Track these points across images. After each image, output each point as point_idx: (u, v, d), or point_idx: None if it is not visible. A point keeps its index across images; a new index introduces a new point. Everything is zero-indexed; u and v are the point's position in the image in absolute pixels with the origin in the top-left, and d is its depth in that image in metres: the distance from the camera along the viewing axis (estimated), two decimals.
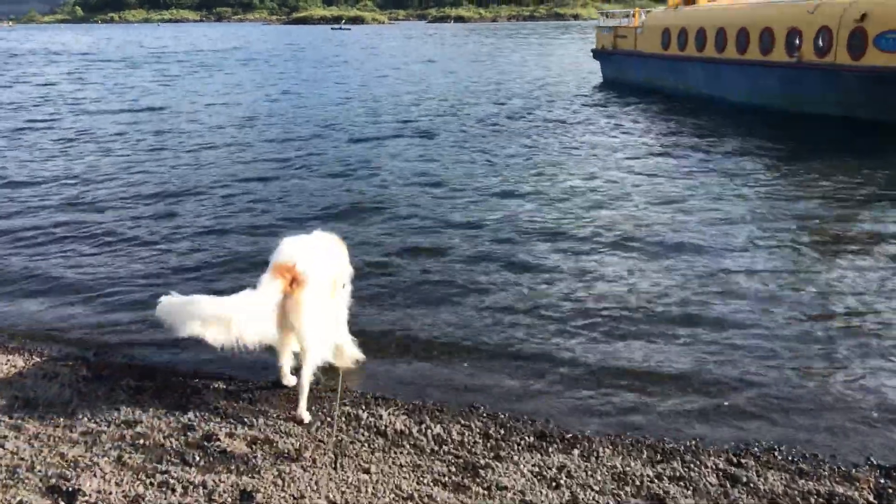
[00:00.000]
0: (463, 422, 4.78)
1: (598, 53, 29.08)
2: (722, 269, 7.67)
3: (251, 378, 5.36)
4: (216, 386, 5.25)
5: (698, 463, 4.28)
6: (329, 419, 4.75)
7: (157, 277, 7.85)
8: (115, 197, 11.42)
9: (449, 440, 4.54)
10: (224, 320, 4.32)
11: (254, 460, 4.24)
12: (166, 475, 4.09)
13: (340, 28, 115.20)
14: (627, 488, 4.04)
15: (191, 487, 3.99)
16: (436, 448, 4.45)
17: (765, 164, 12.90)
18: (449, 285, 7.44)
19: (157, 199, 11.29)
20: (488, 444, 4.50)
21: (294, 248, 4.79)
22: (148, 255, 8.65)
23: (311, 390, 4.85)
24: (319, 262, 4.80)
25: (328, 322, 4.89)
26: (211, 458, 4.28)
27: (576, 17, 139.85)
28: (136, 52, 53.32)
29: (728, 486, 4.06)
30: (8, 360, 5.70)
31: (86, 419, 4.74)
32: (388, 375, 5.53)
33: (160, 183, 12.32)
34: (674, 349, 5.89)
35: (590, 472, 4.17)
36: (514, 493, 3.97)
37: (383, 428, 4.66)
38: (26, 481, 4.04)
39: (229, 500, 3.89)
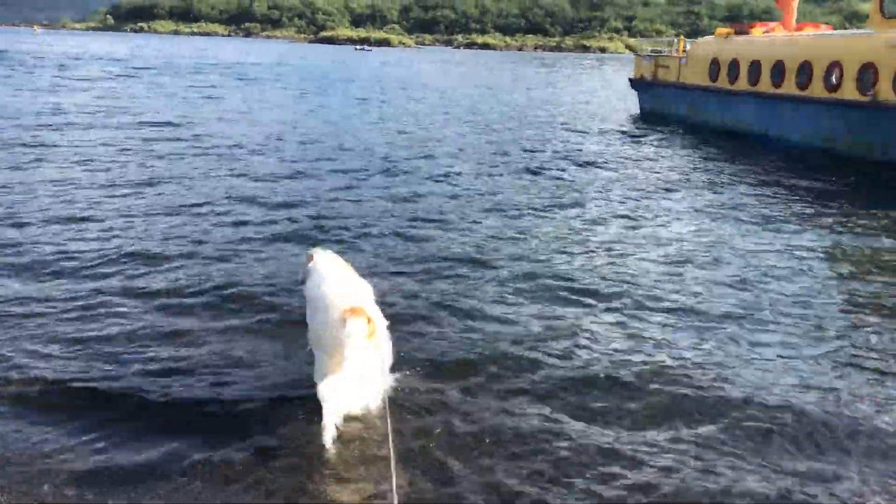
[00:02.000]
0: None
1: (636, 83, 27.27)
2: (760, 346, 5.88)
3: None
4: None
5: None
6: None
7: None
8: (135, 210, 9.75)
9: None
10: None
11: None
12: None
13: (363, 49, 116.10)
14: None
15: None
16: None
17: (821, 217, 10.83)
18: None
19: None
20: None
21: (348, 281, 4.57)
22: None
23: None
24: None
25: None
26: None
27: (602, 49, 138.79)
28: (169, 64, 52.14)
29: None
30: None
31: None
32: None
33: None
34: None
35: None
36: None
37: None
38: None
39: None
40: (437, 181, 12.66)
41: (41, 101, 22.54)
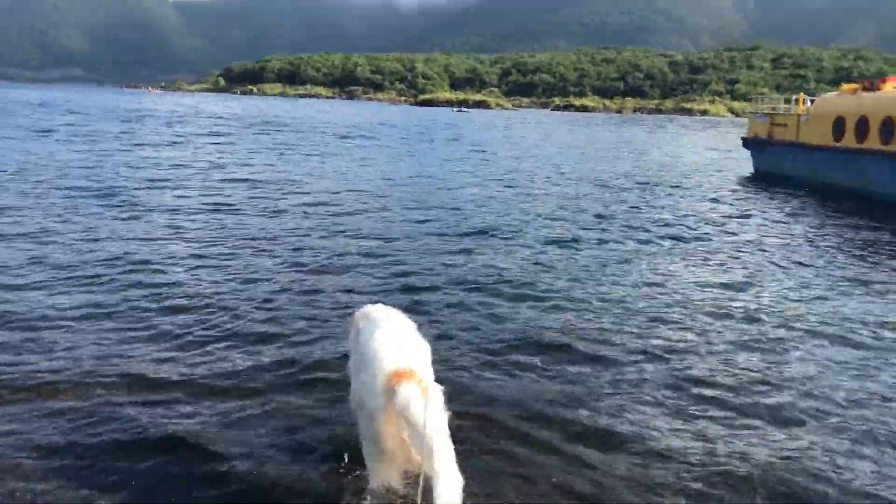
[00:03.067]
0: None
1: (749, 142, 25.87)
2: None
3: None
4: None
5: None
6: None
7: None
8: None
9: None
10: None
11: None
12: None
13: (460, 110, 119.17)
14: None
15: None
16: None
17: None
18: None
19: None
20: None
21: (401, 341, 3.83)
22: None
23: None
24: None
25: None
26: None
27: (703, 112, 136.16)
28: (272, 122, 53.87)
29: None
30: None
31: None
32: None
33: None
34: None
35: None
36: None
37: None
38: None
39: None
40: (545, 246, 11.80)
41: (144, 154, 23.11)
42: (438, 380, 3.78)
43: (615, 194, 18.15)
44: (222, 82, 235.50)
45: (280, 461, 4.42)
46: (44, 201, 13.14)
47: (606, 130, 62.43)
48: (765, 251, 11.57)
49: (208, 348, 6.24)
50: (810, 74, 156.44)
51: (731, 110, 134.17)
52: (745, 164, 26.72)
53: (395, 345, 3.73)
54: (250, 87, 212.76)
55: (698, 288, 8.99)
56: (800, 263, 10.70)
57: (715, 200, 17.86)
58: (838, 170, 20.13)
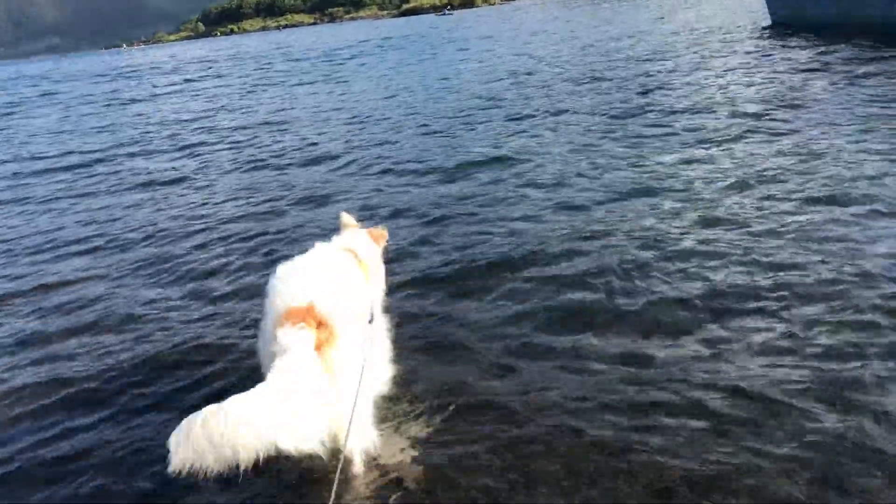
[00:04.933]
0: None
1: None
2: None
3: None
4: None
5: None
6: None
7: None
8: None
9: None
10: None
11: None
12: None
13: (444, 14, 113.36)
14: None
15: None
16: None
17: None
18: None
19: None
20: None
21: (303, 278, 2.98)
22: None
23: None
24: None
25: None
26: None
27: None
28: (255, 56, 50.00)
29: None
30: None
31: None
32: None
33: None
34: None
35: None
36: None
37: None
38: None
39: None
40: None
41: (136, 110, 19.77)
42: None
43: (618, 70, 14.67)
44: (202, 27, 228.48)
45: None
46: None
47: (605, 8, 57.57)
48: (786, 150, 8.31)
49: None
50: None
51: None
52: (758, 15, 22.76)
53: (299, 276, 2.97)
54: (230, 26, 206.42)
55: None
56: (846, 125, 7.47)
57: (736, 58, 14.28)
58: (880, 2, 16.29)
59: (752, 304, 3.94)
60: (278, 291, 2.89)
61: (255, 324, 3.59)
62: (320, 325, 2.69)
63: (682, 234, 5.12)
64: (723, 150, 7.42)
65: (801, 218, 5.15)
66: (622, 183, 6.63)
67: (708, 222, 5.26)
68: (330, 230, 3.89)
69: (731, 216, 5.33)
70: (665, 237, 5.07)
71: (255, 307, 4.52)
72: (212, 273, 5.53)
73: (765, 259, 4.50)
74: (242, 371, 3.76)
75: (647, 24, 28.52)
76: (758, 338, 3.60)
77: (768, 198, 5.67)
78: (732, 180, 6.21)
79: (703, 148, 7.61)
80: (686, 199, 5.91)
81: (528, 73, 16.64)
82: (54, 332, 4.73)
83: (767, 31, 19.61)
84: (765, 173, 6.31)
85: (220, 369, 3.89)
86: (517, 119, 10.84)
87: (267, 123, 13.81)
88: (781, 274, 4.26)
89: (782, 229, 4.97)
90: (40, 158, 12.81)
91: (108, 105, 22.12)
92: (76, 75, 49.68)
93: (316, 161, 9.56)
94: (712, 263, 4.54)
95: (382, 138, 10.64)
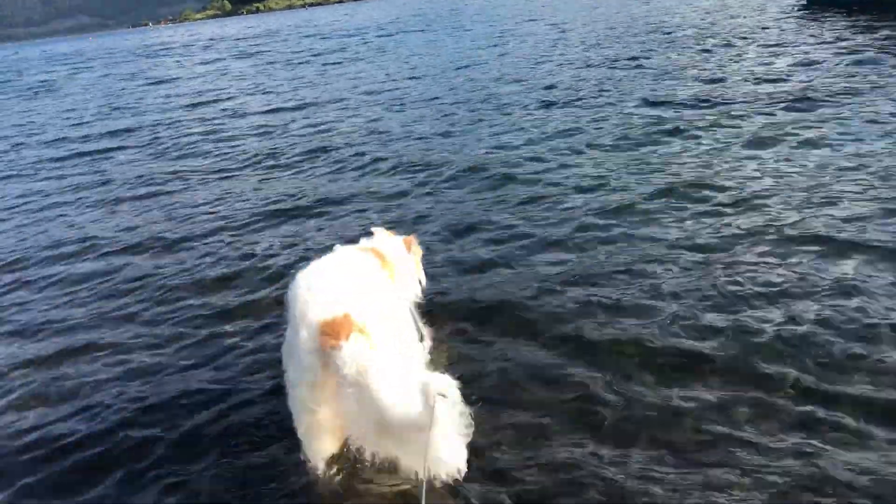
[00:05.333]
0: None
1: None
2: None
3: None
4: None
5: None
6: None
7: None
8: None
9: None
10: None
11: None
12: None
13: None
14: None
15: None
16: None
17: None
18: None
19: None
20: None
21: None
22: None
23: None
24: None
25: None
26: None
27: None
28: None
29: None
30: None
31: None
32: None
33: None
34: None
35: None
36: None
37: None
38: None
39: None
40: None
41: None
42: None
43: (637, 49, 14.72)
44: (228, 5, 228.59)
45: None
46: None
47: None
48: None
49: None
50: None
51: None
52: None
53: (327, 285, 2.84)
54: (256, 4, 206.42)
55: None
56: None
57: (768, 49, 14.22)
58: None
59: None
60: (306, 301, 2.76)
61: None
62: (361, 332, 2.59)
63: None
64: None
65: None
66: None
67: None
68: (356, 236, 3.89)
69: None
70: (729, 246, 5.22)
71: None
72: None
73: None
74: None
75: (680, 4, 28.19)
76: None
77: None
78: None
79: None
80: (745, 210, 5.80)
81: (563, 56, 16.72)
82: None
83: (803, 11, 19.33)
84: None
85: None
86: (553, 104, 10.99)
87: (300, 108, 14.11)
88: None
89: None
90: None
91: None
92: (118, 54, 50.26)
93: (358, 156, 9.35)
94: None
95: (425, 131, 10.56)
